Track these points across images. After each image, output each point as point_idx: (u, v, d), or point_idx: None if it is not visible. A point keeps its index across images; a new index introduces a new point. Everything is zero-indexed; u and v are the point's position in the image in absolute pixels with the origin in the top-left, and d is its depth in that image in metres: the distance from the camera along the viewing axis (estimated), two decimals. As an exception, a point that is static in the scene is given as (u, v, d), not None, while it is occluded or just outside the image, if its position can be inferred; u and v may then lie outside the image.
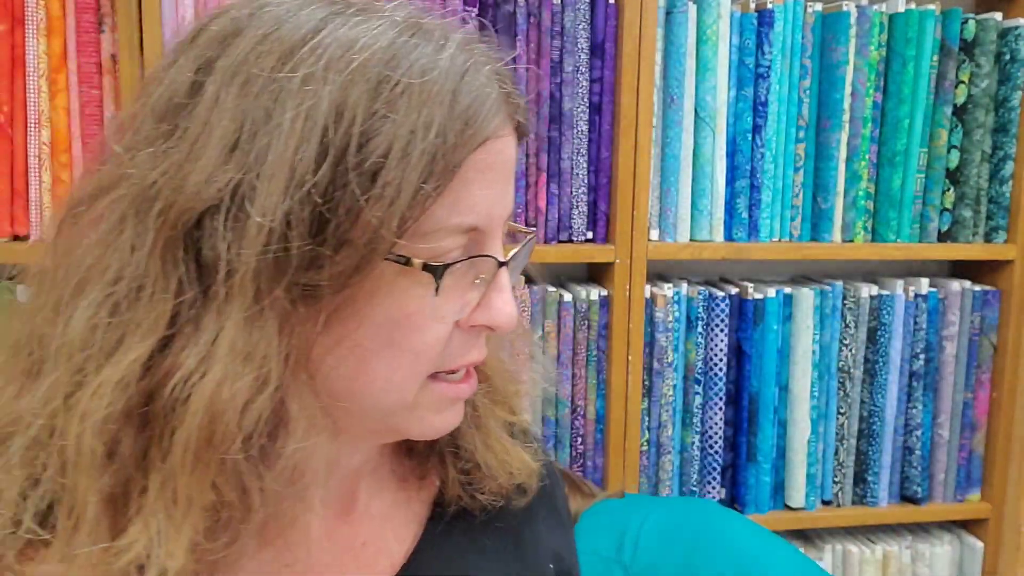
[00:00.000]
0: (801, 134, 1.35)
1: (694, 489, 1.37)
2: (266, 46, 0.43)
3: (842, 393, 1.41)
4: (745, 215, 1.34)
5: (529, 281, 1.27)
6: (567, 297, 1.28)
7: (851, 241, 1.39)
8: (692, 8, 1.28)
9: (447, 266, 0.46)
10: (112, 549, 0.43)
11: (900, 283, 1.41)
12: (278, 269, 0.42)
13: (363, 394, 0.48)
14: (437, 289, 0.46)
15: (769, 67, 1.31)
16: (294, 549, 0.53)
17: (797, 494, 1.40)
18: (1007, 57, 1.39)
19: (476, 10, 1.20)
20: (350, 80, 0.42)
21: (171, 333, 0.43)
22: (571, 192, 1.27)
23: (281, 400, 0.45)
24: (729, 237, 1.34)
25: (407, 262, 0.45)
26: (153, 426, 0.43)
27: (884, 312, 1.39)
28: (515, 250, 0.53)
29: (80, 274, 0.45)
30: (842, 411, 1.41)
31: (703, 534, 0.95)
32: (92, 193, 0.47)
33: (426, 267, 0.45)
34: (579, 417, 1.31)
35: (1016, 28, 1.38)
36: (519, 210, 1.25)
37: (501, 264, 0.49)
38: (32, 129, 1.12)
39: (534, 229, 0.59)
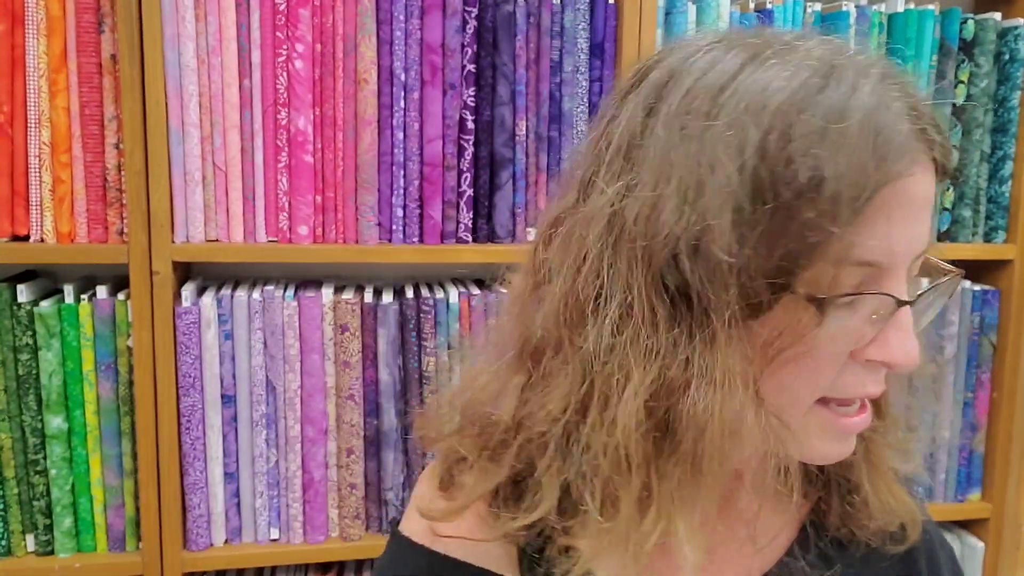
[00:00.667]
0: (801, 134, 1.35)
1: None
2: (695, 94, 0.48)
3: (842, 393, 1.40)
4: (745, 215, 1.34)
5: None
6: (567, 297, 1.28)
7: (851, 241, 1.39)
8: (691, 8, 1.28)
9: (831, 299, 0.47)
10: (638, 532, 0.51)
11: (900, 283, 1.41)
12: (744, 300, 0.47)
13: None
14: (820, 322, 0.47)
15: (768, 67, 1.31)
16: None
17: (797, 494, 1.39)
18: (1006, 57, 1.40)
19: (476, 10, 1.20)
20: (766, 124, 0.45)
21: (669, 359, 0.49)
22: (571, 192, 1.27)
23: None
24: (729, 237, 1.34)
25: (792, 290, 0.47)
26: (664, 437, 0.49)
27: (884, 312, 1.39)
28: (923, 291, 0.53)
29: (567, 288, 0.52)
30: (842, 411, 1.41)
31: None
32: (563, 212, 0.54)
33: (810, 299, 0.47)
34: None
35: (1015, 28, 1.38)
36: (519, 210, 1.25)
37: (901, 303, 0.49)
38: (32, 129, 1.12)
39: (959, 271, 0.58)
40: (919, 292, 0.52)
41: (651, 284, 0.48)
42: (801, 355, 0.49)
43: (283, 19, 1.15)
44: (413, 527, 0.60)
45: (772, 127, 0.45)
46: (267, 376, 1.20)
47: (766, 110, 0.45)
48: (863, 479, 0.60)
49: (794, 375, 0.49)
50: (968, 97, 1.39)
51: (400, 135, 1.20)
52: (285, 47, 1.15)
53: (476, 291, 1.26)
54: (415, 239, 1.22)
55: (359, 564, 1.33)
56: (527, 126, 1.24)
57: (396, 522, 0.62)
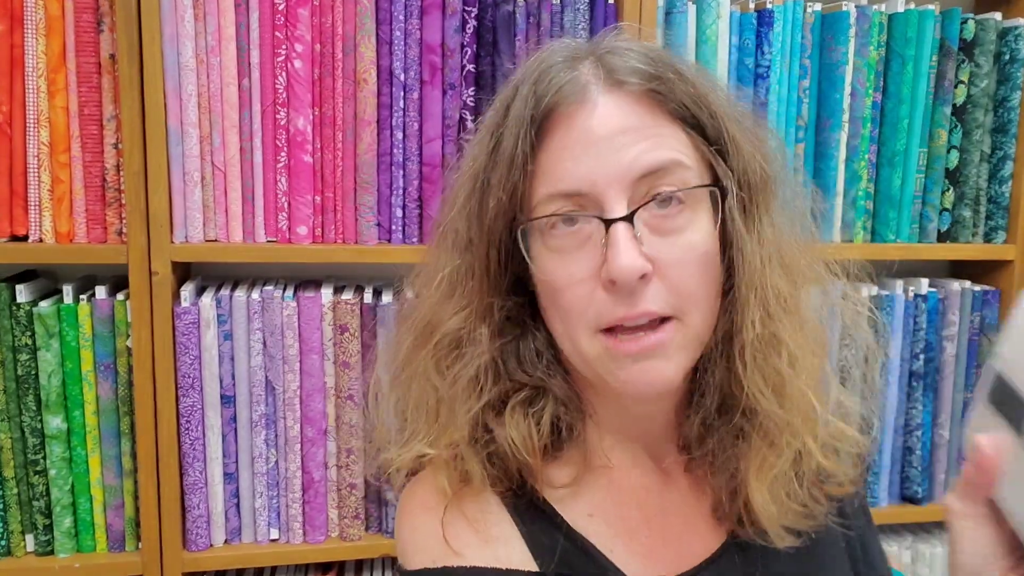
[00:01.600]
0: (801, 134, 1.35)
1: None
2: None
3: (842, 393, 1.40)
4: (745, 215, 1.34)
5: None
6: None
7: (851, 241, 1.39)
8: (691, 8, 1.28)
9: (531, 221, 0.56)
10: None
11: (900, 283, 1.41)
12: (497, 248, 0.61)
13: (562, 346, 0.59)
14: (528, 250, 0.57)
15: (768, 67, 1.30)
16: (621, 487, 0.63)
17: (797, 494, 1.39)
18: (1006, 57, 1.39)
19: (476, 10, 1.20)
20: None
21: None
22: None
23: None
24: (729, 237, 1.34)
25: (514, 232, 0.58)
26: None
27: (884, 312, 1.39)
28: (636, 208, 0.55)
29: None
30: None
31: None
32: None
33: (522, 232, 0.57)
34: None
35: (1015, 28, 1.38)
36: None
37: (608, 222, 0.54)
38: (31, 129, 1.12)
39: (709, 187, 0.58)
40: (633, 210, 0.54)
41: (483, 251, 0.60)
42: (556, 290, 0.56)
43: (282, 19, 1.15)
44: (423, 558, 0.59)
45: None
46: (266, 376, 1.19)
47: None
48: (747, 485, 0.60)
49: (558, 309, 0.57)
50: (968, 97, 1.39)
51: (400, 135, 1.20)
52: (284, 47, 1.15)
53: (476, 291, 1.26)
54: (415, 239, 1.22)
55: (359, 564, 1.33)
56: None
57: (403, 572, 0.61)
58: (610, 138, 0.54)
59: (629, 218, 0.53)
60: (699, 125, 0.57)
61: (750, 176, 0.58)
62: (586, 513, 0.61)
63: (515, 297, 0.61)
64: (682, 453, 0.64)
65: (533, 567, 0.58)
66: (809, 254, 0.63)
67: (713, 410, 0.60)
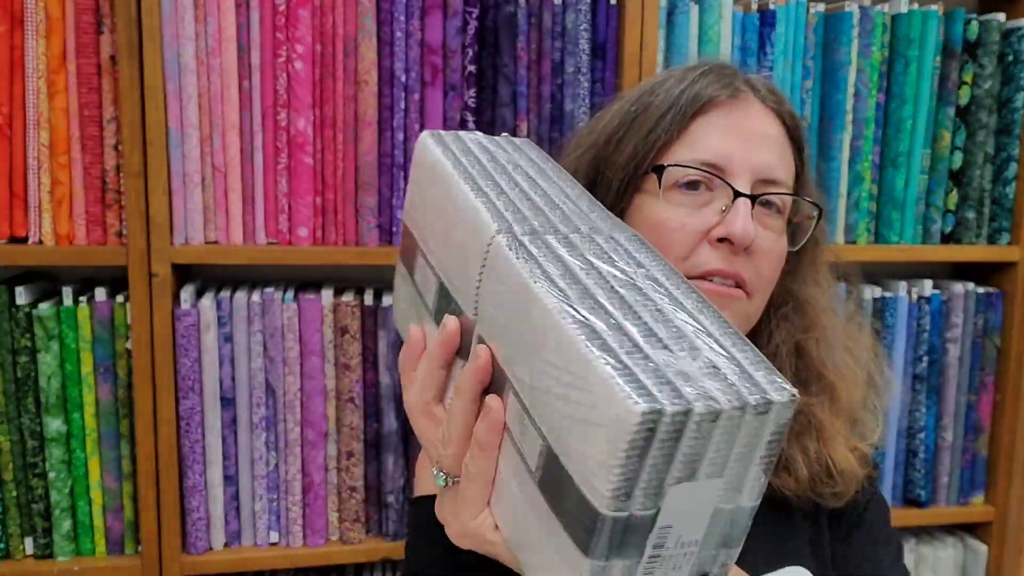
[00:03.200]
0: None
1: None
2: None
3: (845, 395, 1.40)
4: (747, 217, 1.33)
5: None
6: (568, 299, 1.27)
7: (854, 242, 1.38)
8: (694, 9, 1.27)
9: (664, 167, 0.65)
10: None
11: (903, 285, 1.40)
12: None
13: None
14: (660, 183, 0.65)
15: (771, 68, 1.30)
16: None
17: (800, 497, 1.39)
18: (1010, 58, 1.39)
19: (477, 11, 1.19)
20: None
21: None
22: (572, 193, 1.26)
23: None
24: (731, 239, 1.34)
25: (647, 173, 0.67)
26: None
27: (887, 314, 1.38)
28: (764, 192, 0.66)
29: None
30: (845, 414, 1.40)
31: None
32: None
33: (654, 168, 0.66)
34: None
35: (1019, 29, 1.37)
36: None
37: (737, 194, 0.64)
38: (31, 130, 1.11)
39: (815, 208, 0.72)
40: (762, 194, 0.66)
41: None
42: (663, 234, 0.65)
43: (283, 20, 1.14)
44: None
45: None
46: (267, 379, 1.19)
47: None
48: (801, 454, 0.69)
49: (662, 251, 0.62)
50: (972, 98, 1.39)
51: (400, 136, 1.19)
52: (285, 48, 1.15)
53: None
54: (416, 241, 1.21)
55: (359, 567, 1.33)
56: (528, 127, 1.23)
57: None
58: (757, 135, 0.66)
59: (753, 198, 0.65)
60: (802, 156, 0.70)
61: (821, 203, 0.72)
62: None
63: None
64: None
65: None
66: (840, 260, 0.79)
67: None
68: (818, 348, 0.72)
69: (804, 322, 0.72)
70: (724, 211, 0.64)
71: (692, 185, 0.66)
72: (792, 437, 0.70)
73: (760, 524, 0.60)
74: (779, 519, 0.71)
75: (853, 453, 0.72)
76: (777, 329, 0.71)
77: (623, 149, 0.68)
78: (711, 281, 0.65)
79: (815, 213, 0.70)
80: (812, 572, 0.70)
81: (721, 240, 0.64)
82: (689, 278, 0.62)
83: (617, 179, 0.68)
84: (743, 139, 0.66)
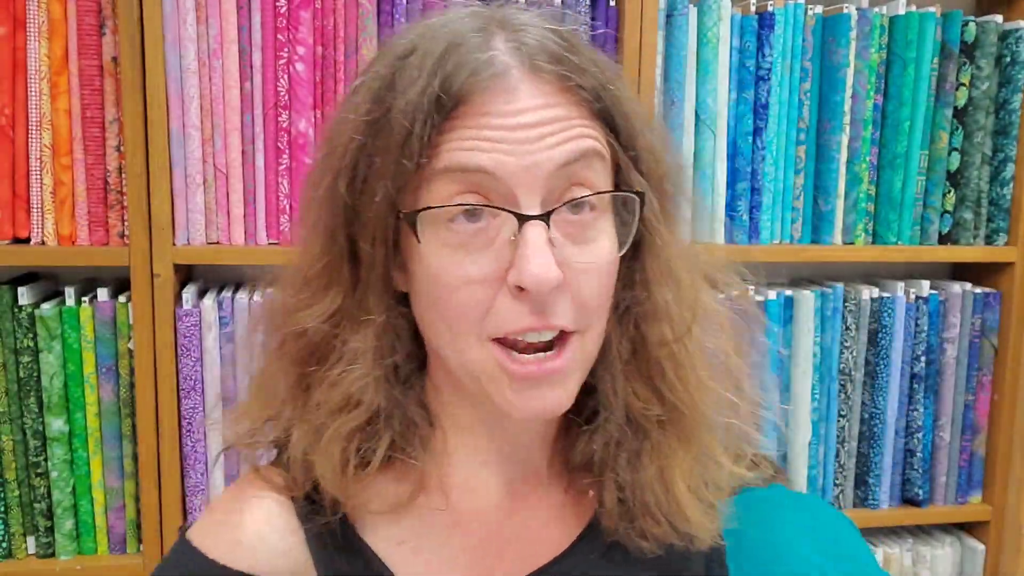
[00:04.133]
0: (802, 136, 1.35)
1: (695, 491, 1.37)
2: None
3: (843, 395, 1.40)
4: (746, 217, 1.34)
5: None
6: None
7: (852, 243, 1.39)
8: (692, 11, 1.28)
9: (422, 210, 0.48)
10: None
11: (901, 285, 1.41)
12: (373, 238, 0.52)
13: (443, 354, 0.53)
14: (417, 235, 0.49)
15: (770, 70, 1.31)
16: (456, 516, 0.58)
17: (798, 496, 1.39)
18: (1007, 59, 1.39)
19: (477, 13, 1.20)
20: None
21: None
22: (572, 194, 1.27)
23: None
24: (730, 239, 1.34)
25: (400, 219, 0.50)
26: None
27: (885, 314, 1.39)
28: (557, 207, 0.49)
29: None
30: (843, 413, 1.41)
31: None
32: None
33: (404, 215, 0.49)
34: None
35: (1016, 30, 1.38)
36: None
37: (522, 219, 0.47)
38: (33, 131, 1.12)
39: (632, 193, 0.53)
40: (554, 208, 0.49)
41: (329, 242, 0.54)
42: (444, 288, 0.49)
43: (284, 21, 1.15)
44: (210, 542, 0.56)
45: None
46: (268, 378, 1.19)
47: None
48: (635, 482, 0.56)
49: (445, 311, 0.50)
50: (969, 100, 1.39)
51: (401, 138, 1.20)
52: (286, 49, 1.15)
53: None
54: (416, 242, 1.22)
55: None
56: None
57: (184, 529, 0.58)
58: (529, 127, 0.48)
59: (545, 218, 0.48)
60: (615, 123, 0.52)
61: (658, 184, 0.55)
62: (396, 541, 0.56)
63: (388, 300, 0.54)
64: (555, 472, 0.61)
65: None
66: (701, 257, 0.61)
67: (619, 426, 0.56)
68: (666, 364, 0.56)
69: (645, 327, 0.55)
70: (514, 243, 0.48)
71: (471, 215, 0.49)
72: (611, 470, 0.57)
73: None
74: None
75: (708, 483, 0.59)
76: (616, 333, 0.55)
77: (370, 194, 0.50)
78: (515, 356, 0.50)
79: (637, 203, 0.52)
80: None
81: (521, 288, 0.48)
82: (496, 340, 0.50)
83: (376, 237, 0.51)
84: (517, 138, 0.48)
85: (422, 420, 0.56)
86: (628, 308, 0.55)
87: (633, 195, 0.52)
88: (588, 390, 0.56)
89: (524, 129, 0.48)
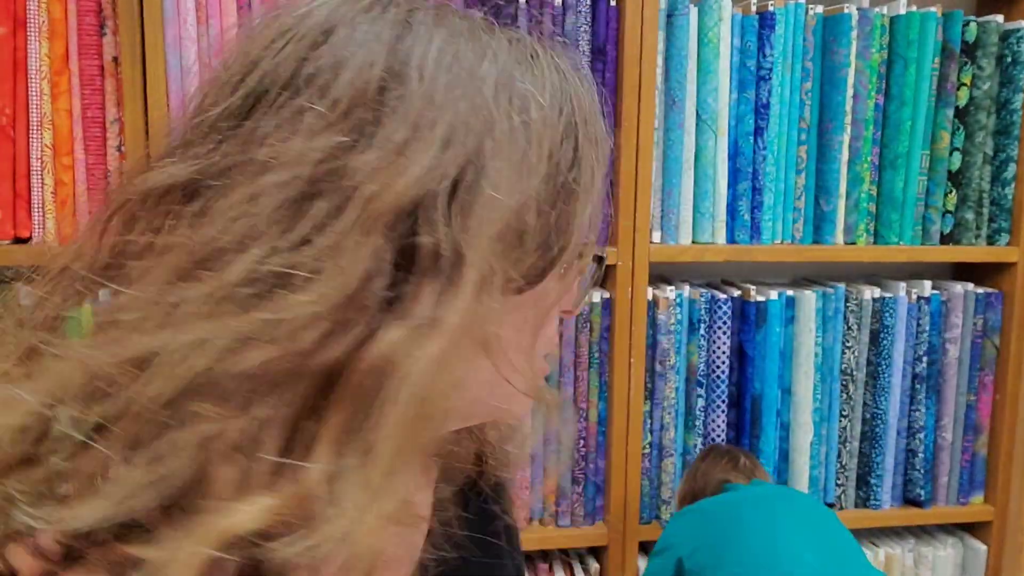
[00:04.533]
0: (803, 136, 1.35)
1: (696, 492, 1.37)
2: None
3: (845, 395, 1.40)
4: (747, 217, 1.34)
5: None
6: (569, 299, 1.27)
7: (853, 243, 1.39)
8: (693, 11, 1.28)
9: (600, 259, 0.55)
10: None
11: (903, 285, 1.41)
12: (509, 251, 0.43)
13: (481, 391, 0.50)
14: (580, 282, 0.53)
15: (771, 69, 1.31)
16: None
17: (800, 497, 1.39)
18: (1009, 59, 1.39)
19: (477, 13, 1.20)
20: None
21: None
22: (573, 194, 1.27)
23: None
24: (731, 239, 1.34)
25: (580, 257, 0.50)
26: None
27: (887, 314, 1.39)
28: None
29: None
30: (845, 413, 1.41)
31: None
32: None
33: (597, 259, 0.54)
34: (581, 420, 1.31)
35: (1018, 30, 1.38)
36: (521, 212, 1.25)
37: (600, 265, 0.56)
38: (34, 131, 1.12)
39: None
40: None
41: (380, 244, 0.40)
42: (550, 318, 0.51)
43: (285, 22, 1.15)
44: None
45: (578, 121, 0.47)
46: (269, 379, 1.19)
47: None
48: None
49: (541, 336, 0.50)
50: (971, 99, 1.39)
51: (402, 138, 1.20)
52: (287, 50, 1.15)
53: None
54: (417, 242, 1.22)
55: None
56: None
57: None
58: None
59: None
60: None
61: None
62: None
63: None
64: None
65: None
66: None
67: None
68: None
69: None
70: (579, 279, 0.53)
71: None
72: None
73: None
74: None
75: None
76: None
77: (574, 221, 0.47)
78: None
79: None
80: None
81: (564, 312, 0.54)
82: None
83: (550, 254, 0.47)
84: None
85: None
86: None
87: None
88: None
89: None
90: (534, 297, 0.47)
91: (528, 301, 0.47)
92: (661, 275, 1.43)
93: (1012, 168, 1.42)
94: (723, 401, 1.36)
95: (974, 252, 1.42)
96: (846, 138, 1.36)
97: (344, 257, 0.39)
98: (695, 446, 1.36)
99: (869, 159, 1.37)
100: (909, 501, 1.45)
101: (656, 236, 1.31)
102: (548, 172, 0.44)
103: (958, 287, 1.43)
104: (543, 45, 0.51)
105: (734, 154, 1.33)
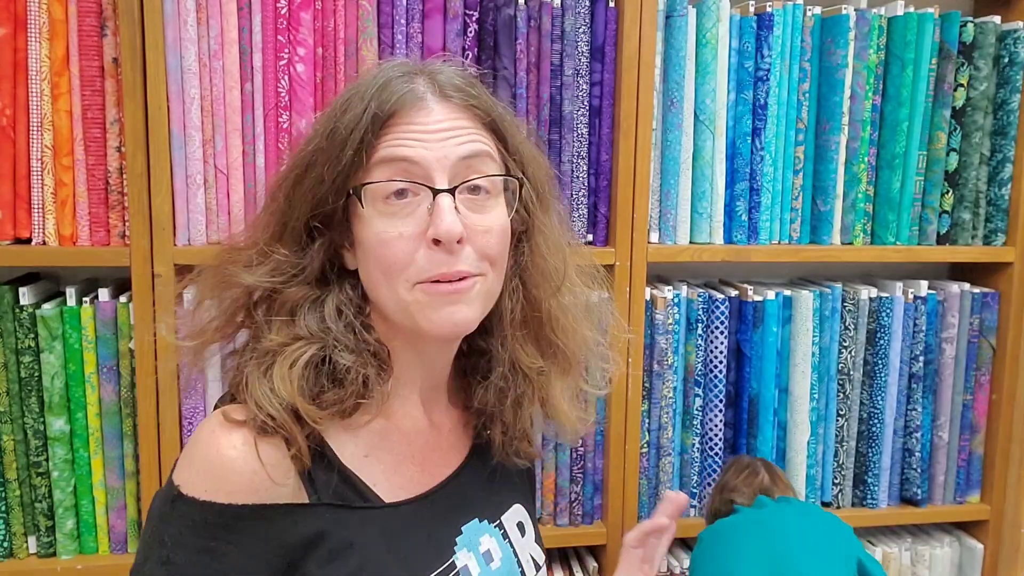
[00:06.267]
0: (800, 137, 1.35)
1: (694, 491, 1.37)
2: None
3: (842, 395, 1.41)
4: (745, 217, 1.34)
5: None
6: (567, 299, 1.28)
7: (850, 243, 1.39)
8: (691, 12, 1.28)
9: (364, 185, 0.68)
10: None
11: (899, 285, 1.41)
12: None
13: (380, 300, 0.70)
14: (362, 203, 0.68)
15: (768, 70, 1.31)
16: (398, 431, 0.75)
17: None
18: (1005, 60, 1.40)
19: (477, 14, 1.20)
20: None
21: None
22: (571, 195, 1.27)
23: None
24: (729, 239, 1.35)
25: (350, 192, 0.69)
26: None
27: (883, 314, 1.39)
28: (459, 184, 0.69)
29: None
30: (842, 413, 1.41)
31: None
32: None
33: (353, 191, 0.68)
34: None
35: (1015, 31, 1.39)
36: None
37: (436, 192, 0.67)
38: (34, 132, 1.12)
39: (511, 176, 0.75)
40: (458, 185, 0.68)
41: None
42: (382, 245, 0.67)
43: (285, 23, 1.15)
44: (230, 490, 0.64)
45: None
46: (268, 378, 1.20)
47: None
48: (519, 419, 0.80)
49: (384, 264, 0.67)
50: (967, 100, 1.40)
51: (401, 138, 1.20)
52: (287, 50, 1.16)
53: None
54: (416, 242, 1.22)
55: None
56: (527, 129, 1.24)
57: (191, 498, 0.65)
58: (440, 132, 0.68)
59: (452, 191, 0.67)
60: (503, 136, 0.73)
61: (537, 183, 0.76)
62: (362, 454, 0.72)
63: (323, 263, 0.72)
64: (450, 403, 0.82)
65: (306, 500, 0.67)
66: (567, 247, 0.80)
67: (505, 378, 0.77)
68: (551, 314, 0.77)
69: (535, 291, 0.77)
70: (431, 211, 0.67)
71: (400, 194, 0.68)
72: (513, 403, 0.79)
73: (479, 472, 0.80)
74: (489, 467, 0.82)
75: (576, 402, 0.82)
76: (511, 299, 0.76)
77: (321, 179, 0.68)
78: (441, 284, 0.68)
79: (517, 187, 0.73)
80: (528, 510, 0.85)
81: (436, 242, 0.66)
82: (419, 284, 0.68)
83: (323, 208, 0.69)
84: (431, 139, 0.68)
85: (368, 355, 0.71)
86: (519, 275, 0.76)
87: (514, 179, 0.73)
88: (483, 352, 0.79)
89: (436, 133, 0.68)
90: (360, 231, 0.69)
91: (360, 234, 0.69)
92: (659, 275, 1.44)
93: (1009, 168, 1.43)
94: (721, 401, 1.36)
95: (970, 252, 1.43)
96: (843, 139, 1.36)
97: None
98: (693, 445, 1.37)
99: (866, 159, 1.38)
100: (906, 500, 1.46)
101: (654, 236, 1.32)
102: (332, 127, 0.68)
103: (954, 287, 1.44)
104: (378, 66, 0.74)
105: (732, 155, 1.33)
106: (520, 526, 0.83)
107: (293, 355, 0.68)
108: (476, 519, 0.78)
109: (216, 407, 0.71)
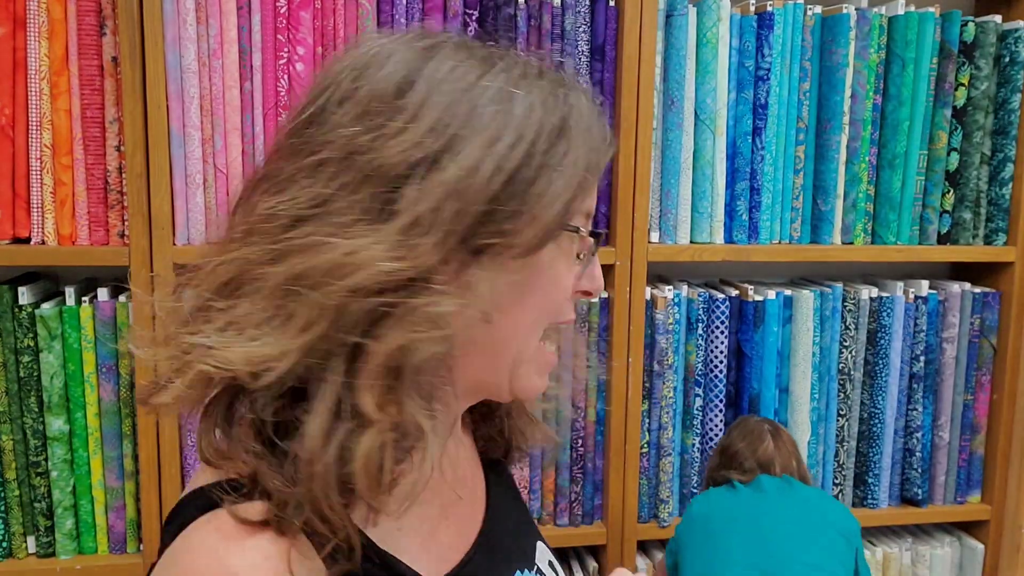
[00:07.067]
0: (801, 136, 1.35)
1: (694, 491, 1.37)
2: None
3: (842, 395, 1.41)
4: (745, 217, 1.34)
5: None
6: (567, 299, 1.28)
7: (851, 243, 1.39)
8: (692, 11, 1.28)
9: (596, 233, 0.60)
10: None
11: (900, 285, 1.41)
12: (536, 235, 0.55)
13: (498, 341, 0.58)
14: (579, 255, 0.60)
15: (769, 69, 1.31)
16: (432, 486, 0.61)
17: (797, 496, 1.39)
18: (1006, 59, 1.40)
19: (477, 13, 1.20)
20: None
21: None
22: (571, 194, 1.27)
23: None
24: (729, 239, 1.35)
25: (577, 231, 0.58)
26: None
27: (884, 314, 1.39)
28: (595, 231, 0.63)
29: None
30: (842, 413, 1.41)
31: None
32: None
33: (592, 234, 0.60)
34: (579, 419, 1.31)
35: (1016, 30, 1.38)
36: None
37: (596, 246, 0.61)
38: (33, 131, 1.12)
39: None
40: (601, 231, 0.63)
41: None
42: (552, 286, 0.59)
43: (284, 22, 1.15)
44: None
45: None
46: (268, 378, 1.20)
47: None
48: (529, 431, 0.75)
49: (543, 304, 0.59)
50: (968, 100, 1.39)
51: (401, 138, 1.20)
52: (286, 50, 1.16)
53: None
54: (416, 241, 1.22)
55: (360, 566, 1.33)
56: None
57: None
58: None
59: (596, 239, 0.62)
60: None
61: None
62: (395, 527, 0.58)
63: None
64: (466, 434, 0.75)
65: None
66: None
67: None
68: None
69: None
70: (580, 259, 0.59)
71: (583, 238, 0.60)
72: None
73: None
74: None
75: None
76: None
77: (547, 193, 0.53)
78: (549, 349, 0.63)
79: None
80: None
81: (587, 293, 0.61)
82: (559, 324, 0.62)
83: (535, 231, 0.53)
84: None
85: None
86: None
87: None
88: None
89: None
90: (532, 268, 0.56)
91: (525, 271, 0.55)
92: (659, 275, 1.44)
93: (1009, 168, 1.43)
94: (721, 400, 1.36)
95: (971, 252, 1.43)
96: (844, 138, 1.36)
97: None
98: (693, 445, 1.36)
99: (867, 159, 1.37)
100: (906, 500, 1.46)
101: (654, 236, 1.32)
102: (525, 151, 0.53)
103: (955, 287, 1.44)
104: (549, 66, 0.60)
105: (732, 154, 1.33)
106: (551, 564, 0.75)
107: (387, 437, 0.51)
108: (518, 571, 0.69)
109: (186, 501, 0.55)
